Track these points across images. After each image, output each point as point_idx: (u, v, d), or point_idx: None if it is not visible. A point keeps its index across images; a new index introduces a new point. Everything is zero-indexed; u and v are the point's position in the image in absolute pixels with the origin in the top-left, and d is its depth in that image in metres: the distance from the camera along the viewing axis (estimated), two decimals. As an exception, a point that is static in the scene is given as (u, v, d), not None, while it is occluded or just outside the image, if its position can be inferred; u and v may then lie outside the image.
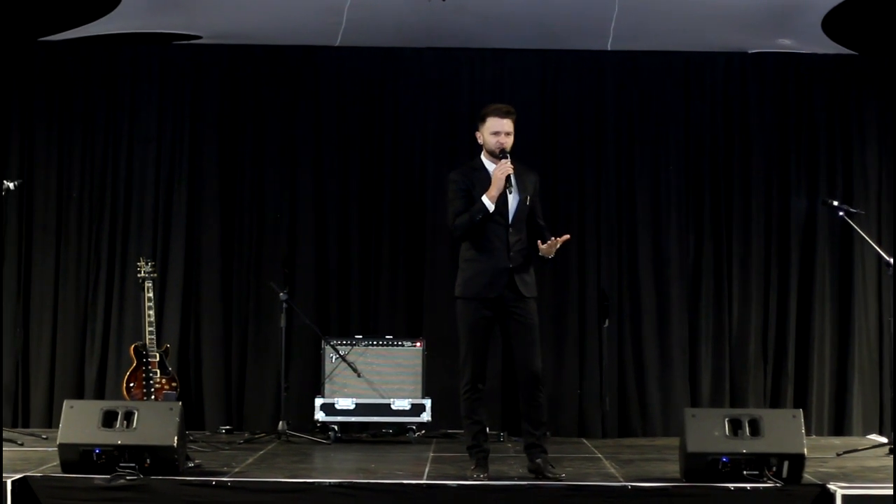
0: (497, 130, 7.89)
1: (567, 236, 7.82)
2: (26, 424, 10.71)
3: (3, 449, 7.98)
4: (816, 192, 10.99)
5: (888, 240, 10.86)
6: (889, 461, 8.87)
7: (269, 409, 10.79)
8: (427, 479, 7.78)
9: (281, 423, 10.05)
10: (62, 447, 7.72)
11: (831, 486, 7.38)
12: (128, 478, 7.51)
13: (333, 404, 10.10)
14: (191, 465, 8.09)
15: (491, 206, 7.83)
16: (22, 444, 9.26)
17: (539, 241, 7.93)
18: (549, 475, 7.79)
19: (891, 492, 7.30)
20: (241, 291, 11.06)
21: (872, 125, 11.15)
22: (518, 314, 7.90)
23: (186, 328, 11.01)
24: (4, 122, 10.98)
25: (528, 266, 7.96)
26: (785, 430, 7.64)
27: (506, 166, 7.79)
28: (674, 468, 8.02)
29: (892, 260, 9.37)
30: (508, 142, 7.88)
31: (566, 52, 11.25)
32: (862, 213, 10.03)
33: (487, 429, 8.12)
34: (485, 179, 7.88)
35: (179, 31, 10.93)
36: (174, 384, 10.40)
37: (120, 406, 7.91)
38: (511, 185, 7.82)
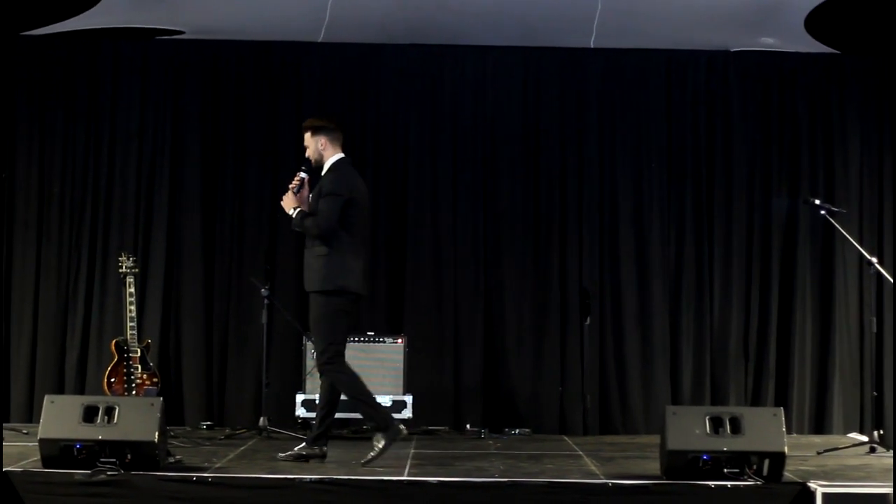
0: None
1: None
2: (6, 419, 10.63)
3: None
4: (798, 191, 11.02)
5: (869, 238, 10.90)
6: (869, 460, 8.92)
7: (250, 404, 10.76)
8: (408, 476, 7.77)
9: (262, 419, 10.03)
10: (43, 442, 7.70)
11: (812, 485, 7.39)
12: (108, 473, 7.49)
13: (314, 400, 10.07)
14: (171, 460, 8.07)
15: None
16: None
17: None
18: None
19: (870, 490, 7.33)
20: (223, 287, 11.04)
21: (854, 124, 11.18)
22: None
23: (167, 323, 10.99)
24: (-15, 116, 10.96)
25: (310, 262, 8.39)
26: (766, 428, 7.65)
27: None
28: (655, 466, 8.02)
29: (873, 259, 9.40)
30: (308, 153, 8.55)
31: (549, 50, 11.25)
32: (843, 212, 10.05)
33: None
34: None
35: (162, 26, 10.91)
36: (155, 379, 10.38)
37: (101, 401, 7.90)
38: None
